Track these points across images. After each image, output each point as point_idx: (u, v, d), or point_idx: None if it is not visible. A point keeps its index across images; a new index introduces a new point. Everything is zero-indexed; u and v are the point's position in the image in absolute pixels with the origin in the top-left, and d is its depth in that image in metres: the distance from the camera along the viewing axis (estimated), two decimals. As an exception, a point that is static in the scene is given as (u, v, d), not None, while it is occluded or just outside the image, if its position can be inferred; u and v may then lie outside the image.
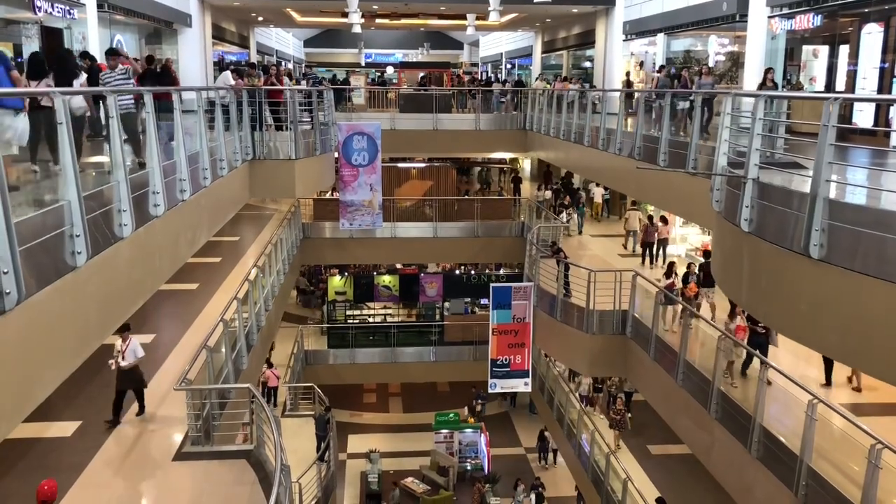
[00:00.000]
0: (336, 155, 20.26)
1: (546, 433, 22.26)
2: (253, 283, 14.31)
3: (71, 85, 9.20)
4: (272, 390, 20.63)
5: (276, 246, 18.19)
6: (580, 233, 22.75)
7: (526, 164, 34.96)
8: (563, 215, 22.23)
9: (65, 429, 10.31)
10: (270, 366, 20.62)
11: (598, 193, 25.09)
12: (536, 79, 30.25)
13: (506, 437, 23.98)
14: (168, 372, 12.20)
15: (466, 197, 28.19)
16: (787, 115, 10.16)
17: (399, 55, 60.94)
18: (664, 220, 18.97)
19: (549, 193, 24.89)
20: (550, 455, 22.41)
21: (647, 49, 27.50)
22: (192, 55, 27.10)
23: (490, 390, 17.43)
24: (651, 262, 18.76)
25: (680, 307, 13.05)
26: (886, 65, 15.55)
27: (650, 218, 19.27)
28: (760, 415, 9.21)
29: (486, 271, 28.95)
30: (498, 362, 16.70)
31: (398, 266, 28.81)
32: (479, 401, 23.73)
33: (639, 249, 19.65)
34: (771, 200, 7.08)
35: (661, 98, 14.60)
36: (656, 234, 18.78)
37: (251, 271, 14.78)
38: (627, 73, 25.51)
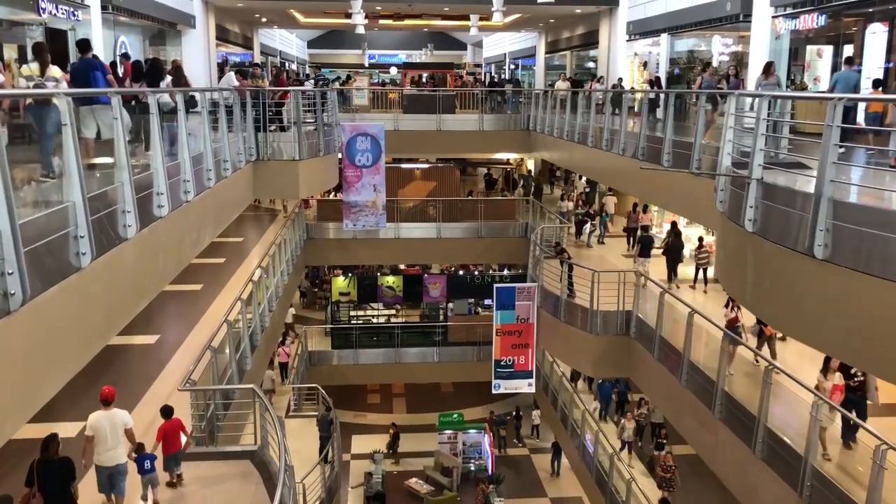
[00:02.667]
0: (340, 156, 20.27)
1: (524, 412, 23.31)
2: (257, 283, 14.33)
3: (159, 85, 11.04)
4: (283, 365, 22.56)
5: (280, 247, 18.21)
6: (601, 242, 22.17)
7: (530, 164, 34.94)
8: (587, 226, 21.98)
9: (69, 429, 10.29)
10: (284, 343, 22.88)
11: (579, 186, 25.18)
12: (557, 79, 29.92)
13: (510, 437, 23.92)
14: (172, 372, 12.23)
15: (470, 198, 28.14)
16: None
17: (402, 56, 60.99)
18: (644, 209, 20.35)
19: (570, 204, 24.71)
20: (532, 430, 23.37)
21: (650, 49, 27.47)
22: (196, 56, 27.17)
23: (494, 391, 17.41)
24: (631, 246, 20.23)
25: (740, 348, 11.06)
26: (891, 64, 15.51)
27: (634, 206, 20.39)
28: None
29: (490, 272, 28.92)
30: (502, 363, 16.67)
31: (402, 267, 28.79)
32: (501, 427, 23.47)
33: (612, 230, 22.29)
34: (775, 201, 7.07)
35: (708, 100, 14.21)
36: (638, 221, 20.30)
37: (255, 272, 14.79)
38: (601, 78, 25.54)
